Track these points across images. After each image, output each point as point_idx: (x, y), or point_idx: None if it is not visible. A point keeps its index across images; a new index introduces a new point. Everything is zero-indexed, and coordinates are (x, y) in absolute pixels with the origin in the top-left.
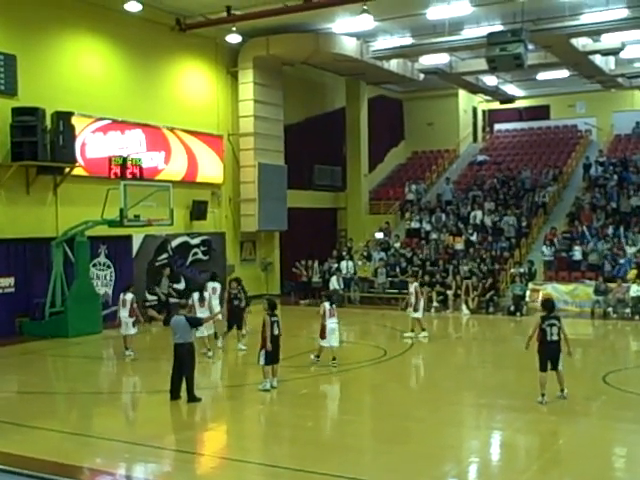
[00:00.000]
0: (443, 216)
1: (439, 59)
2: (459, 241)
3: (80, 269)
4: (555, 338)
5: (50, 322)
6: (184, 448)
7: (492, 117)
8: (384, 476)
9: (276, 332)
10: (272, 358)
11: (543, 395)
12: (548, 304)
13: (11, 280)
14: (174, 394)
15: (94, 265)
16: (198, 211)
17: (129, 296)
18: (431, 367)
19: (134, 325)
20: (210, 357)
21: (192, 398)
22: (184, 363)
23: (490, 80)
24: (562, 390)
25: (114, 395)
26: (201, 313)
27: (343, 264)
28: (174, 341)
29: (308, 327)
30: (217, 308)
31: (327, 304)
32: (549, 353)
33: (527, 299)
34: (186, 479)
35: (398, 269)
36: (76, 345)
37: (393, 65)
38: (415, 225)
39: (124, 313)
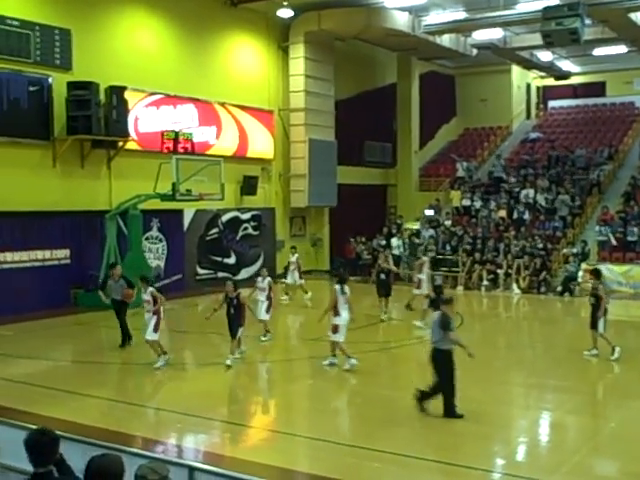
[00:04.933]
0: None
1: (493, 34)
2: (502, 214)
3: (133, 242)
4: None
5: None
6: (234, 420)
7: (546, 94)
8: (434, 454)
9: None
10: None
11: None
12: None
13: (67, 252)
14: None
15: (147, 238)
16: (248, 186)
17: (267, 281)
18: (480, 346)
19: (267, 311)
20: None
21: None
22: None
23: (545, 56)
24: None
25: (166, 366)
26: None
27: (393, 241)
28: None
29: (356, 303)
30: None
31: (337, 287)
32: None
33: (580, 279)
34: (236, 451)
35: (449, 247)
36: (129, 317)
37: (445, 40)
38: (466, 203)
39: (262, 297)
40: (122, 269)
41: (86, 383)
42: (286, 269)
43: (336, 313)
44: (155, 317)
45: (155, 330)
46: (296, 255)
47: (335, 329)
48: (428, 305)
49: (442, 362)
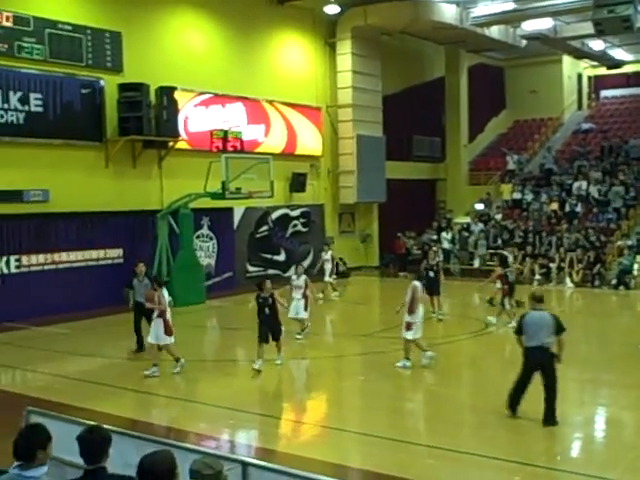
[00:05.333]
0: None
1: (542, 24)
2: (554, 207)
3: (184, 241)
4: None
5: None
6: (286, 416)
7: (598, 83)
8: (485, 450)
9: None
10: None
11: None
12: None
13: (119, 251)
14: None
15: (197, 237)
16: (297, 183)
17: (302, 278)
18: None
19: (305, 309)
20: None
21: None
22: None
23: (596, 44)
24: None
25: (218, 363)
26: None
27: (443, 235)
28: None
29: None
30: None
31: (418, 283)
32: None
33: (635, 272)
34: (288, 446)
35: (500, 241)
36: (181, 314)
37: (494, 32)
38: (516, 196)
39: (297, 295)
40: (145, 267)
41: (139, 380)
42: (321, 266)
43: (411, 310)
44: (161, 320)
45: (167, 333)
46: (330, 252)
47: (409, 327)
48: (509, 303)
49: (553, 364)
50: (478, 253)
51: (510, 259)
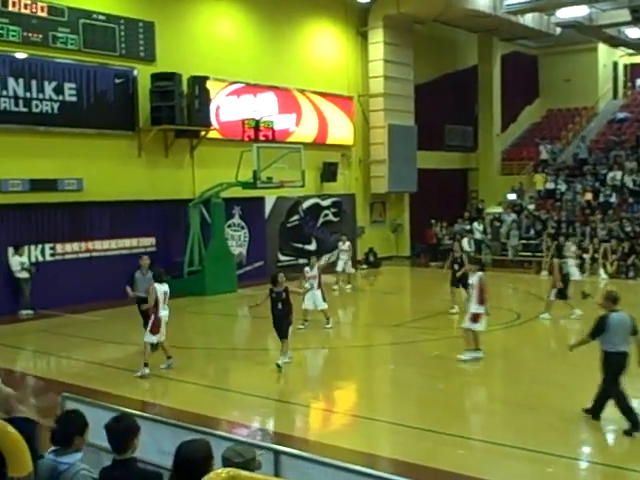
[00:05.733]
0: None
1: (577, 11)
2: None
3: (216, 230)
4: None
5: (188, 280)
6: (316, 405)
7: (634, 72)
8: (516, 440)
9: None
10: None
11: None
12: None
13: (152, 240)
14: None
15: (229, 226)
16: (328, 173)
17: (316, 268)
18: (567, 332)
19: (324, 299)
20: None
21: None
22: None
23: (633, 32)
24: None
25: (249, 352)
26: None
27: (474, 225)
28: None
29: (437, 289)
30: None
31: (482, 274)
32: None
33: None
34: (319, 435)
35: (532, 231)
36: (213, 303)
37: (528, 19)
38: (550, 186)
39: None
40: (150, 260)
41: (174, 368)
42: (337, 257)
43: (481, 301)
44: (152, 317)
45: (152, 332)
46: (347, 243)
47: (476, 318)
48: (555, 296)
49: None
50: (510, 243)
51: (573, 249)
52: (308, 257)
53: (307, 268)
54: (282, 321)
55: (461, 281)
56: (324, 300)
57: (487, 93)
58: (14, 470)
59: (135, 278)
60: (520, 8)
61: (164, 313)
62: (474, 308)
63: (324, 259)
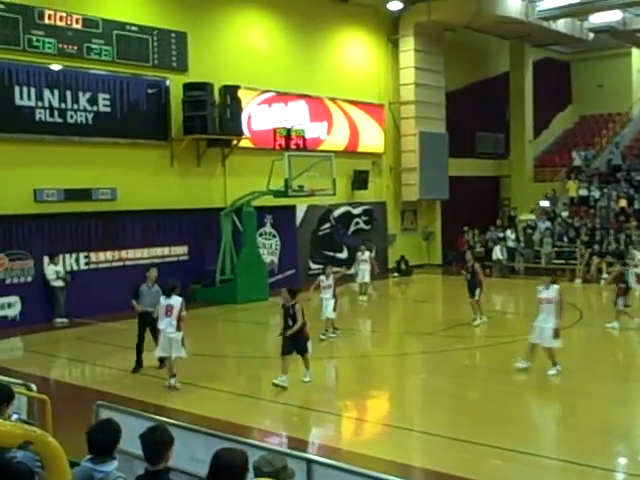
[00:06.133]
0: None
1: (611, 16)
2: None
3: (248, 238)
4: None
5: (220, 289)
6: (348, 414)
7: None
8: (551, 451)
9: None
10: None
11: None
12: None
13: (185, 248)
14: None
15: (260, 234)
16: (360, 181)
17: (331, 278)
18: (601, 341)
19: (334, 309)
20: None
21: None
22: None
23: None
24: None
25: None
26: None
27: (507, 233)
28: None
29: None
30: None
31: (558, 287)
32: None
33: None
34: (351, 444)
35: (566, 239)
36: (244, 311)
37: (560, 25)
38: (583, 193)
39: (327, 295)
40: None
41: (204, 376)
42: (355, 266)
43: (560, 315)
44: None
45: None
46: (367, 252)
47: (557, 334)
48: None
49: None
50: (543, 251)
51: (639, 257)
52: (342, 265)
53: (322, 277)
54: (295, 337)
55: (471, 290)
56: (334, 310)
57: (519, 100)
58: (53, 479)
59: (140, 291)
60: (552, 14)
61: (162, 327)
62: (556, 323)
63: (339, 269)
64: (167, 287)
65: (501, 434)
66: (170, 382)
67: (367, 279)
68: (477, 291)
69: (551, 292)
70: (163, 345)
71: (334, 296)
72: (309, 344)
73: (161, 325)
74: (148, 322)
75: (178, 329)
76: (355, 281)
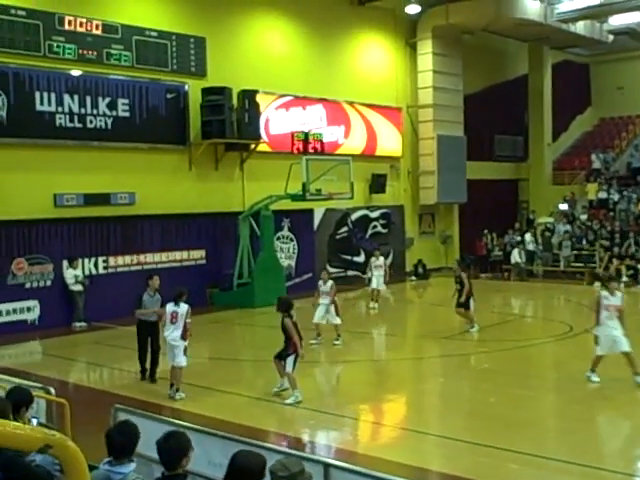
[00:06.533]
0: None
1: (631, 18)
2: None
3: (265, 242)
4: None
5: (238, 293)
6: (365, 417)
7: None
8: (569, 455)
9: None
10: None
11: None
12: None
13: (202, 252)
14: None
15: (278, 238)
16: (377, 184)
17: (329, 284)
18: None
19: (337, 314)
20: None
21: None
22: None
23: None
24: None
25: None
26: None
27: (527, 237)
28: None
29: (487, 301)
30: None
31: (604, 292)
32: None
33: None
34: (369, 448)
35: (585, 242)
36: (262, 315)
37: (580, 27)
38: (602, 195)
39: (325, 301)
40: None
41: (222, 379)
42: (369, 272)
43: (598, 322)
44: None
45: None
46: (381, 258)
47: (596, 340)
48: None
49: None
50: (563, 254)
51: None
52: (359, 269)
53: (320, 282)
54: (282, 351)
55: (463, 305)
56: (337, 314)
57: (538, 102)
58: None
59: (143, 300)
60: (571, 16)
61: (166, 334)
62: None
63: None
64: (175, 293)
65: (519, 438)
66: (169, 392)
67: (381, 286)
68: (470, 302)
69: (618, 299)
70: (168, 352)
71: (333, 302)
72: (289, 360)
73: (166, 332)
74: (150, 332)
75: (182, 337)
76: (368, 286)
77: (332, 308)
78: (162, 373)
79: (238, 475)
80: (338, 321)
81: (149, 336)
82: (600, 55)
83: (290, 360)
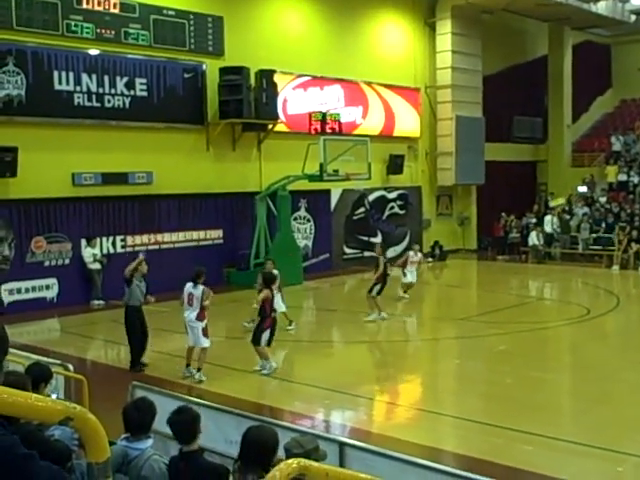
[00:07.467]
0: None
1: None
2: None
3: (282, 222)
4: None
5: (254, 272)
6: (380, 398)
7: None
8: (585, 437)
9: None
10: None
11: None
12: None
13: (220, 232)
14: None
15: (295, 219)
16: (395, 165)
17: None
18: (638, 328)
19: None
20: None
21: None
22: None
23: None
24: None
25: (314, 344)
26: None
27: (546, 219)
28: None
29: (505, 283)
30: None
31: None
32: None
33: None
34: (384, 428)
35: (604, 225)
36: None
37: (601, 7)
38: (622, 178)
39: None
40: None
41: (238, 358)
42: (404, 266)
43: None
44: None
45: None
46: (420, 254)
47: None
48: None
49: None
50: (581, 237)
51: None
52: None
53: (275, 271)
54: (256, 327)
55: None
56: (283, 302)
57: (557, 83)
58: (93, 456)
59: (134, 286)
60: None
61: (185, 315)
62: None
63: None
64: (194, 274)
65: (534, 420)
66: (192, 373)
67: (415, 279)
68: (375, 287)
69: None
70: (189, 334)
71: (279, 290)
72: (264, 335)
73: (185, 313)
74: (139, 317)
75: (199, 318)
76: (404, 281)
77: (278, 296)
78: (179, 351)
79: (252, 450)
80: (283, 308)
81: (138, 320)
82: (621, 36)
83: (265, 335)
